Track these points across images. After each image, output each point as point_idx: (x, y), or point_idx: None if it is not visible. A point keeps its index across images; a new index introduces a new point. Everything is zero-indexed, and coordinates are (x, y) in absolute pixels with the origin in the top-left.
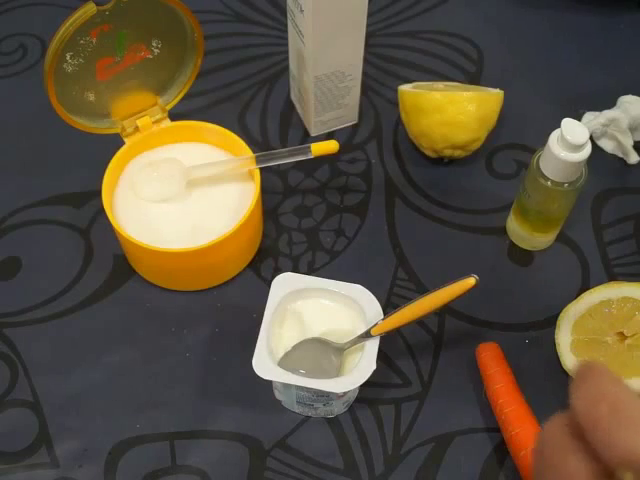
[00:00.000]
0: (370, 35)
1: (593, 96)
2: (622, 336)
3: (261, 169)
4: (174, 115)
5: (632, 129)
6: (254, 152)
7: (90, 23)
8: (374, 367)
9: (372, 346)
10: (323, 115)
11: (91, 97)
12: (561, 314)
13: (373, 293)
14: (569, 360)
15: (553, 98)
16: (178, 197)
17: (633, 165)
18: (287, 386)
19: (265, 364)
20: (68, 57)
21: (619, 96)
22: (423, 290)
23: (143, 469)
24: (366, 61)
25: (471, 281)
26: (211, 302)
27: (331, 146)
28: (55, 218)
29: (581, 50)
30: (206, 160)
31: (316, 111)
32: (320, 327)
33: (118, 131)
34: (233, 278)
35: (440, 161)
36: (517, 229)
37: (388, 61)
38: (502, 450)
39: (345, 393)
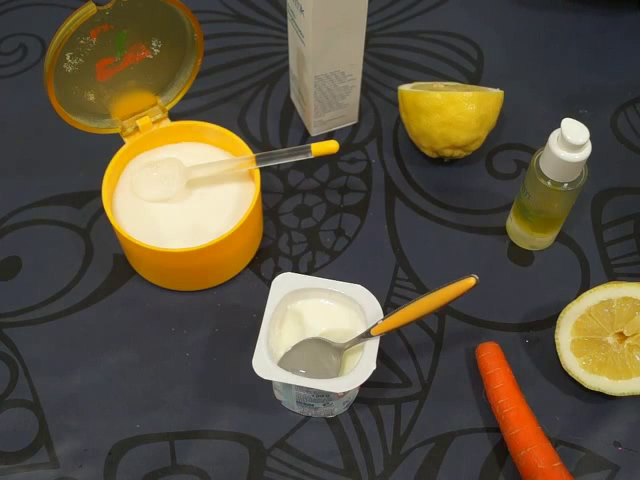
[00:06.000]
0: (370, 35)
1: (593, 96)
2: (622, 336)
3: (261, 169)
4: (174, 115)
5: None
6: (254, 152)
7: (90, 23)
8: (374, 367)
9: (372, 346)
10: (323, 115)
11: (91, 97)
12: (561, 314)
13: (373, 293)
14: (569, 360)
15: (553, 98)
16: (178, 197)
17: (633, 165)
18: (287, 386)
19: (265, 364)
20: (68, 57)
21: (619, 96)
22: (423, 290)
23: (143, 469)
24: (366, 61)
25: (471, 281)
26: (211, 302)
27: (331, 146)
28: (55, 218)
29: (581, 50)
30: (206, 160)
31: (316, 111)
32: (320, 327)
33: (118, 131)
34: (233, 278)
35: (440, 161)
36: (517, 229)
37: (388, 61)
38: (502, 450)
39: (345, 393)
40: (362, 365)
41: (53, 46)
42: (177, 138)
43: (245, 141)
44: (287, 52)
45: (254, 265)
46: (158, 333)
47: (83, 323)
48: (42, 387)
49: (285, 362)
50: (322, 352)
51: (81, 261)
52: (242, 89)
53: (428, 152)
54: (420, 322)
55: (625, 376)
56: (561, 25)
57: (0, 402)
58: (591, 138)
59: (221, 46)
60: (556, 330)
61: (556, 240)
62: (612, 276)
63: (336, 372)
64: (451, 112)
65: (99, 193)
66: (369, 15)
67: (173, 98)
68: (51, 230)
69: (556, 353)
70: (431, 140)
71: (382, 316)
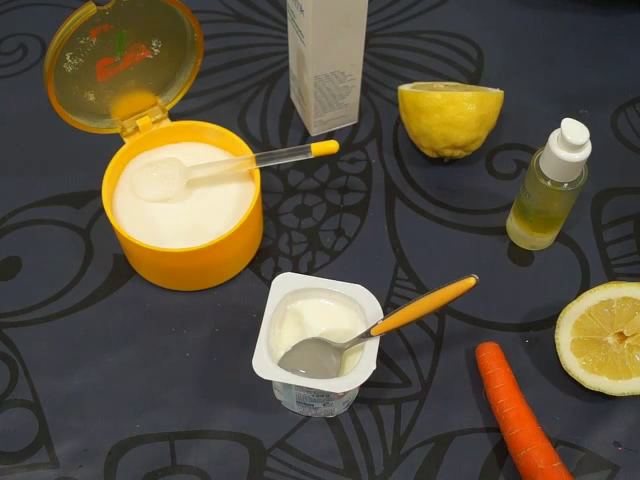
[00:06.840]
0: (370, 35)
1: (593, 96)
2: (622, 336)
3: (261, 169)
4: (174, 115)
5: None
6: (254, 152)
7: (90, 23)
8: (374, 367)
9: (372, 346)
10: (323, 115)
11: (91, 97)
12: (561, 314)
13: (373, 293)
14: (569, 360)
15: (553, 98)
16: (178, 197)
17: (633, 165)
18: (287, 386)
19: (265, 364)
20: (68, 57)
21: (619, 96)
22: (423, 290)
23: (143, 469)
24: (366, 61)
25: (471, 281)
26: (211, 302)
27: (331, 146)
28: (55, 218)
29: (581, 50)
30: (206, 160)
31: (316, 111)
32: (320, 327)
33: (118, 131)
34: (233, 278)
35: (440, 161)
36: (517, 229)
37: (388, 61)
38: (502, 450)
39: (345, 393)
40: (362, 365)
41: (53, 46)
42: (177, 138)
43: (245, 141)
44: (287, 52)
45: (254, 265)
46: (158, 333)
47: (83, 323)
48: (42, 387)
49: (285, 362)
50: (322, 352)
51: (81, 261)
52: (242, 89)
53: (428, 152)
54: (420, 322)
55: (625, 376)
56: (561, 25)
57: (0, 402)
58: (591, 138)
59: (221, 46)
60: (556, 330)
61: (556, 240)
62: (612, 276)
63: (336, 372)
64: (451, 112)
65: (99, 193)
66: (369, 15)
67: (173, 98)
68: (51, 230)
69: (556, 353)
70: (431, 140)
71: (382, 316)
